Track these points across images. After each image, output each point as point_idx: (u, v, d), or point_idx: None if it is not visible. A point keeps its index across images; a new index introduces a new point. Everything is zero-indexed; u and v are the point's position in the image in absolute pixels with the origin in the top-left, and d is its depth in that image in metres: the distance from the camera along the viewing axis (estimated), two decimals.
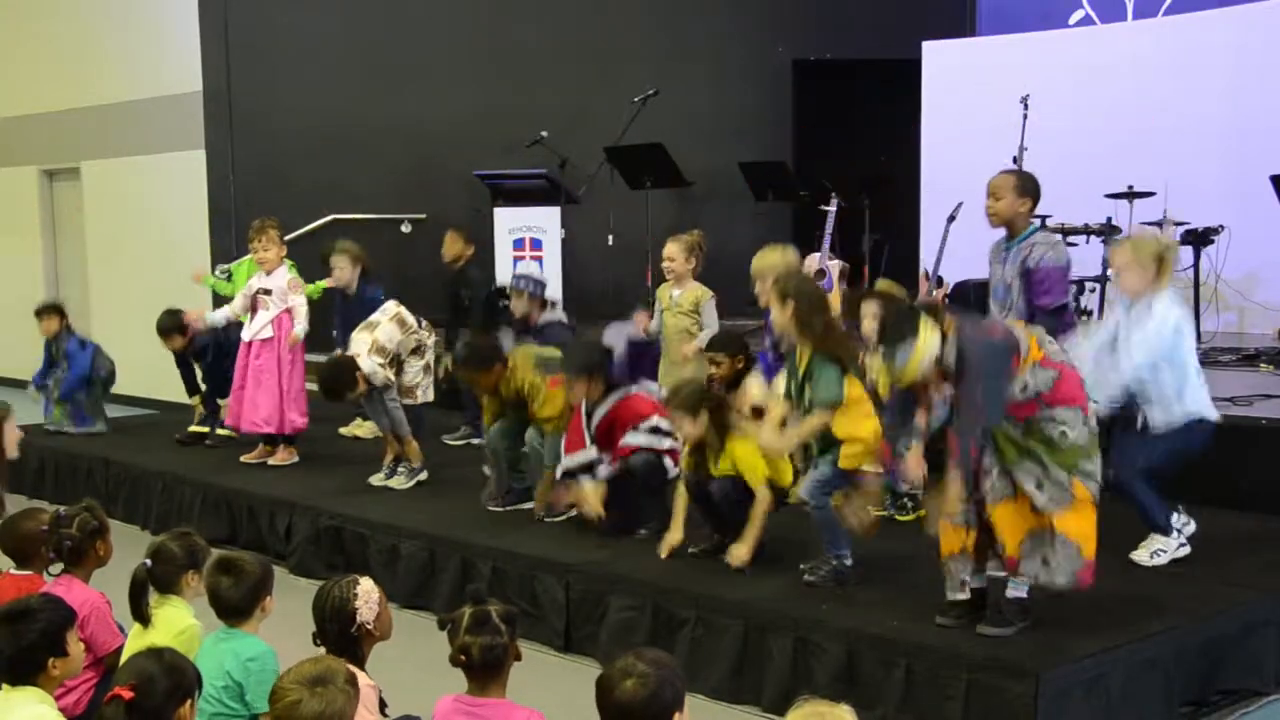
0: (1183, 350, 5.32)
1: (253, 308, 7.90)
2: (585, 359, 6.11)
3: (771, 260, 6.10)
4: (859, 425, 5.06)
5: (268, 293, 7.85)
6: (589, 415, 6.04)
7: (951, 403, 4.38)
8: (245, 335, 7.92)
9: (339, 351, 7.64)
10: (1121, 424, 5.39)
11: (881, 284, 5.93)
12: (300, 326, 7.80)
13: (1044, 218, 9.63)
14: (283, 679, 3.00)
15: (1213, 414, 5.40)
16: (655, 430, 5.94)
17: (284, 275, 7.89)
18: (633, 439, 5.94)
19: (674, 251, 6.98)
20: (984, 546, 4.56)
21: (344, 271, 8.50)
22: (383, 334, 7.14)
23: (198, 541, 4.17)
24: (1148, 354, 5.22)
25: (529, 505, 6.46)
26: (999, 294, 5.90)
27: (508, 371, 6.29)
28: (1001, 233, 5.93)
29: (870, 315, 5.64)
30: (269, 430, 7.90)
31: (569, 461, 6.08)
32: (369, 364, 7.04)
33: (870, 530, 4.53)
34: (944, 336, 4.29)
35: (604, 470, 5.99)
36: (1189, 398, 5.31)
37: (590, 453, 6.03)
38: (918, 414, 4.58)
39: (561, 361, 6.14)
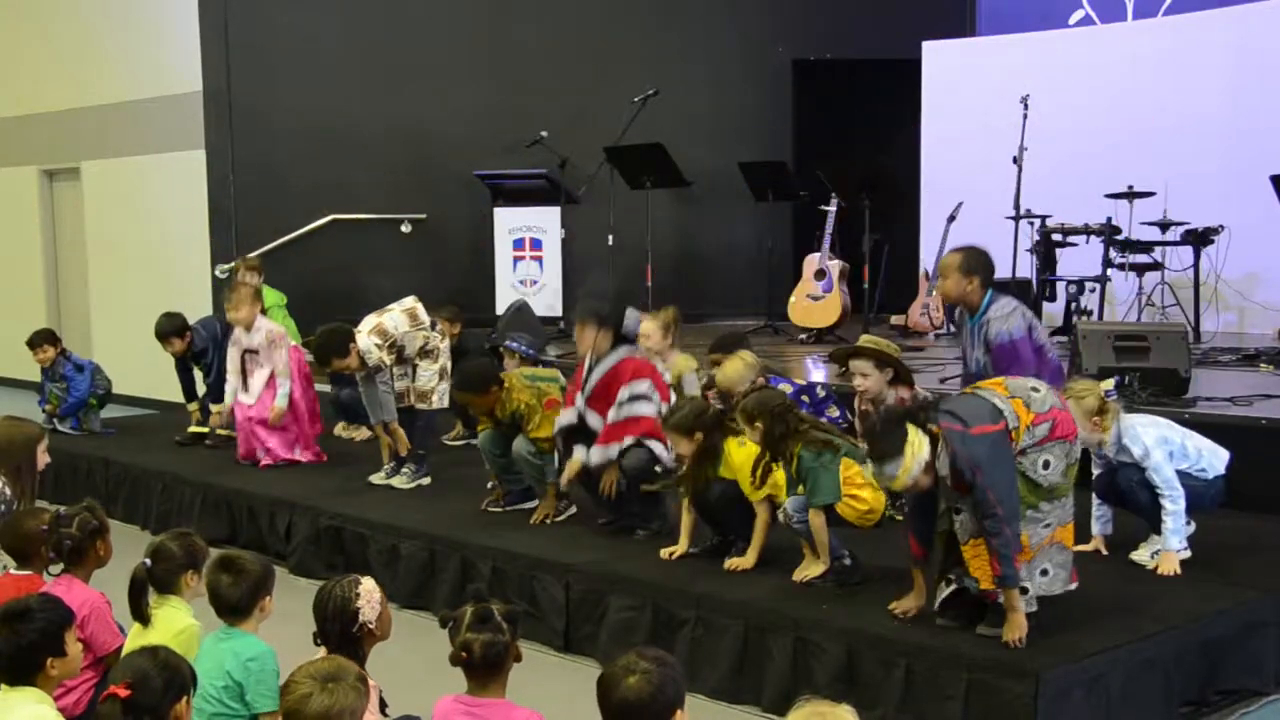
0: (1175, 446, 5.40)
1: (243, 370, 7.91)
2: (599, 307, 6.06)
3: (733, 372, 6.07)
4: (859, 491, 5.12)
5: (254, 353, 7.86)
6: (590, 370, 6.02)
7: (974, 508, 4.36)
8: (243, 399, 7.91)
9: None
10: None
11: (866, 339, 5.91)
12: (281, 397, 7.76)
13: (1044, 217, 9.67)
14: (295, 673, 3.02)
15: (1220, 468, 5.46)
16: (643, 397, 5.89)
17: (263, 330, 7.86)
18: (616, 413, 5.89)
19: (650, 329, 6.86)
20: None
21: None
22: (390, 319, 7.13)
23: (196, 542, 4.17)
24: (1170, 482, 5.26)
25: (529, 505, 6.47)
26: (974, 369, 5.95)
27: (503, 394, 6.29)
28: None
29: (861, 374, 5.64)
30: (304, 459, 7.92)
31: (560, 419, 6.11)
32: (365, 341, 7.03)
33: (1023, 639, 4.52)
34: (934, 438, 4.30)
35: (596, 455, 5.95)
36: (1195, 470, 5.41)
37: (577, 409, 6.03)
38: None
39: (576, 306, 6.12)
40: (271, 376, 7.82)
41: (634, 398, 5.92)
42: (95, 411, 9.33)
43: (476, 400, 6.42)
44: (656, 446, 5.87)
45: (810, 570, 5.10)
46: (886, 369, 5.66)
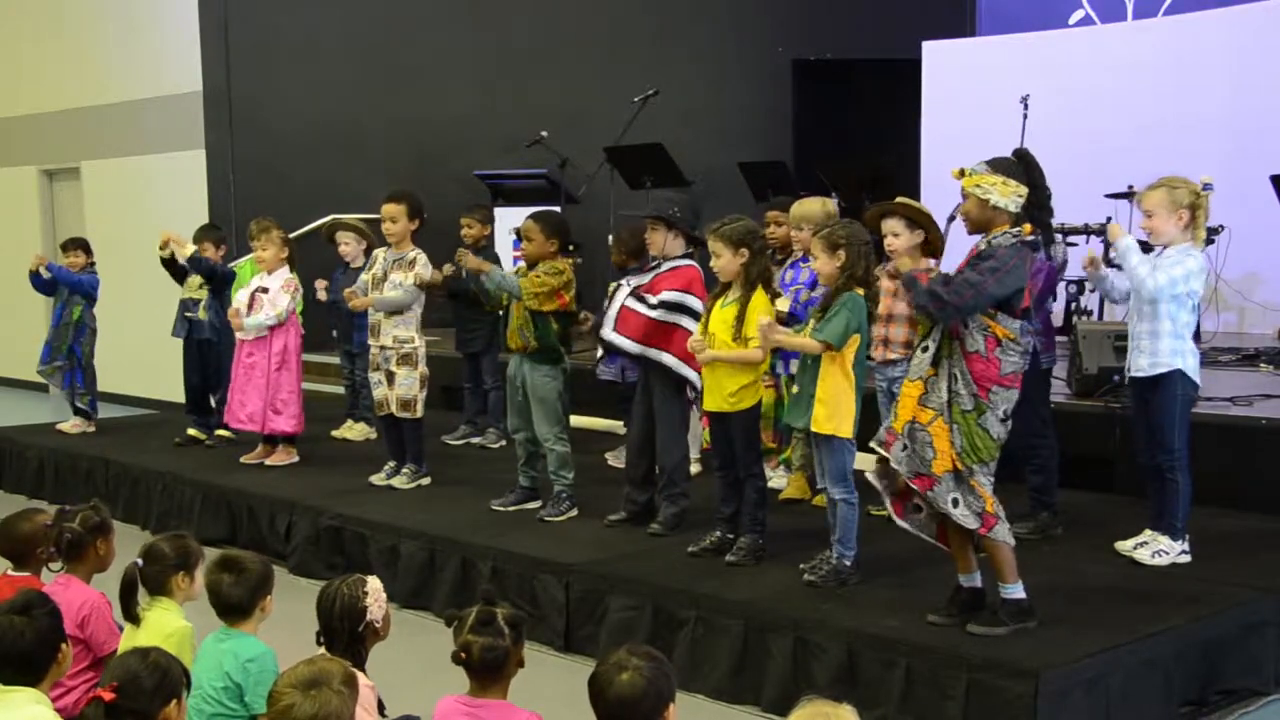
0: (1194, 310, 5.36)
1: (249, 305, 7.90)
2: (668, 208, 6.08)
3: (811, 206, 6.24)
4: (842, 387, 5.06)
5: (264, 291, 7.85)
6: (652, 270, 6.03)
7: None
8: (240, 334, 7.91)
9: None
10: (1136, 408, 5.51)
11: (902, 200, 5.87)
12: (266, 317, 7.72)
13: None
14: (278, 682, 2.99)
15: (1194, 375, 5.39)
16: (679, 307, 5.87)
17: (283, 276, 7.89)
18: (658, 314, 5.91)
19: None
20: (965, 544, 4.58)
21: (349, 248, 8.71)
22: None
23: (190, 544, 4.16)
24: (1173, 314, 5.23)
25: (531, 505, 6.47)
26: None
27: (553, 254, 6.25)
28: None
29: (892, 233, 5.60)
30: (253, 428, 7.87)
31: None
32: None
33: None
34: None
35: (619, 341, 5.99)
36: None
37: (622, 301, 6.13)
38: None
39: (652, 202, 6.12)
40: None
41: (677, 306, 5.91)
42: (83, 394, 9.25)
43: (538, 239, 6.29)
44: (688, 373, 5.88)
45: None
46: (918, 230, 5.60)
